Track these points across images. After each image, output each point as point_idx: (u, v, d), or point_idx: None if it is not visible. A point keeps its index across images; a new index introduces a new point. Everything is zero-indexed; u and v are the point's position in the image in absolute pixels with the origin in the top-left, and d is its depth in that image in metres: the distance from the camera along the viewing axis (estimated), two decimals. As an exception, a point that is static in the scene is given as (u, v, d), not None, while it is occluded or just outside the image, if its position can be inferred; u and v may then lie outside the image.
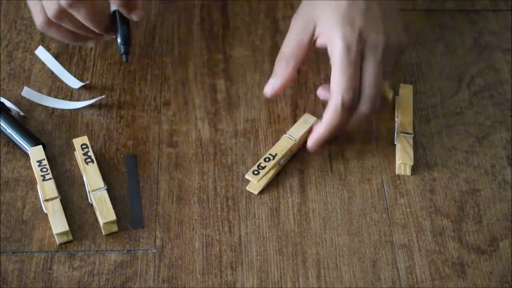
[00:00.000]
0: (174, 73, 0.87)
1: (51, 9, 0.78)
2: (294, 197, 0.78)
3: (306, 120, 0.81)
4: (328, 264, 0.74)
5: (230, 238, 0.75)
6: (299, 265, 0.73)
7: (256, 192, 0.78)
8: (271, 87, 0.79)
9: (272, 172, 0.78)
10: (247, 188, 0.78)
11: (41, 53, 0.87)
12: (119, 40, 0.79)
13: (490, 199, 0.78)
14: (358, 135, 0.82)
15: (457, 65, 0.89)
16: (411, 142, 0.80)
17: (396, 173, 0.79)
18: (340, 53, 0.75)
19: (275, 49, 0.87)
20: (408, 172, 0.79)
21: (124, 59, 0.80)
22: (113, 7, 0.81)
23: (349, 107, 0.75)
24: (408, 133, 0.80)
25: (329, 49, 0.76)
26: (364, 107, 0.76)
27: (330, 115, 0.76)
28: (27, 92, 0.83)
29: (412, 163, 0.78)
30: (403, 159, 0.78)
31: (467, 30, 0.92)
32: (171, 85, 0.86)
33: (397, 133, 0.80)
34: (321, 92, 0.80)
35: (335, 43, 0.75)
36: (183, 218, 0.76)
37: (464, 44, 0.91)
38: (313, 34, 0.78)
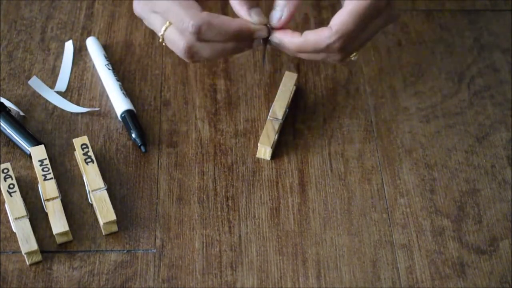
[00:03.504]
0: (174, 73, 0.87)
1: (179, 50, 0.74)
2: (294, 197, 0.78)
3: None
4: (328, 264, 0.74)
5: (230, 238, 0.75)
6: (299, 265, 0.73)
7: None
8: (279, 21, 0.75)
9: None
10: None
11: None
12: (133, 135, 0.80)
13: (490, 199, 0.78)
14: (358, 135, 0.82)
15: (457, 65, 0.89)
16: (277, 127, 0.80)
17: (256, 156, 0.80)
18: (365, 1, 0.71)
19: (275, 49, 0.87)
20: (267, 156, 0.80)
21: (143, 150, 0.80)
22: (122, 110, 0.81)
23: (329, 50, 0.72)
24: (276, 118, 0.80)
25: None
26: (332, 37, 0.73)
27: (314, 40, 0.72)
28: (35, 82, 0.84)
29: (270, 147, 0.79)
30: (262, 142, 0.79)
31: (467, 30, 0.92)
32: (171, 85, 0.86)
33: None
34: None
35: None
36: (183, 218, 0.76)
37: (464, 44, 0.91)
38: None
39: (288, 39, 0.74)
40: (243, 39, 0.73)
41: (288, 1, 0.74)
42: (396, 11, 0.75)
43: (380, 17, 0.73)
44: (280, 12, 0.75)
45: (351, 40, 0.72)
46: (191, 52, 0.74)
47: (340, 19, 0.71)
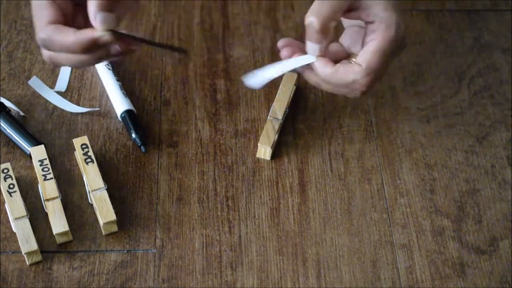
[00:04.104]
0: (174, 73, 0.87)
1: (43, 56, 0.73)
2: (294, 197, 0.78)
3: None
4: (328, 264, 0.74)
5: (230, 238, 0.75)
6: (299, 265, 0.73)
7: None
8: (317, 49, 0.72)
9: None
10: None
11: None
12: (133, 135, 0.80)
13: (490, 199, 0.78)
14: (358, 135, 0.82)
15: (457, 65, 0.89)
16: (277, 127, 0.80)
17: (256, 156, 0.80)
18: (390, 37, 0.71)
19: (275, 49, 0.87)
20: (267, 156, 0.80)
21: (143, 150, 0.80)
22: (122, 110, 0.81)
23: (357, 86, 0.72)
24: (276, 118, 0.80)
25: (373, 26, 0.71)
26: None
27: (342, 77, 0.72)
28: (35, 82, 0.84)
29: (270, 147, 0.79)
30: (262, 142, 0.79)
31: (467, 30, 0.92)
32: (171, 85, 0.86)
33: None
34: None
35: (386, 25, 0.70)
36: (183, 218, 0.76)
37: (464, 44, 0.91)
38: (349, 2, 0.72)
39: (321, 68, 0.72)
40: (92, 49, 0.70)
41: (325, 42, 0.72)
42: (406, 41, 0.75)
43: (399, 51, 0.74)
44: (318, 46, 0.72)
45: (377, 78, 0.72)
46: (51, 60, 0.72)
47: (368, 57, 0.71)
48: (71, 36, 0.69)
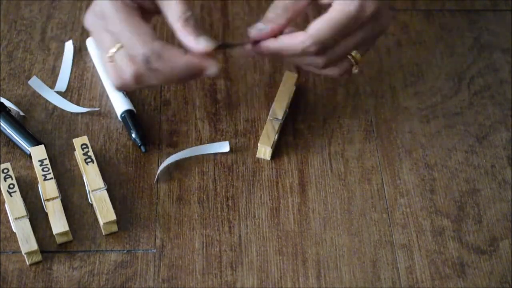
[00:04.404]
0: (174, 73, 0.87)
1: (127, 74, 0.71)
2: (294, 197, 0.78)
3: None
4: (328, 264, 0.74)
5: (230, 238, 0.75)
6: (299, 265, 0.73)
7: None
8: (257, 32, 0.73)
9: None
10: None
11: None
12: (133, 135, 0.80)
13: (490, 199, 0.78)
14: (358, 135, 0.82)
15: (457, 65, 0.89)
16: (277, 127, 0.80)
17: (256, 156, 0.80)
18: (348, 11, 0.70)
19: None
20: (267, 156, 0.80)
21: (143, 150, 0.80)
22: (122, 110, 0.81)
23: (306, 54, 0.72)
24: (276, 118, 0.80)
25: (336, 3, 0.71)
26: (320, 58, 0.73)
27: (286, 46, 0.72)
28: (35, 82, 0.84)
29: (270, 147, 0.79)
30: (262, 142, 0.79)
31: (467, 30, 0.92)
32: (171, 85, 0.86)
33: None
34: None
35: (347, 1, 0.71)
36: (183, 218, 0.76)
37: (464, 44, 0.91)
38: None
39: (264, 45, 0.73)
40: (192, 74, 0.71)
41: (277, 18, 0.73)
42: (387, 21, 0.74)
43: (365, 28, 0.73)
44: (263, 26, 0.73)
45: (328, 46, 0.72)
46: (138, 78, 0.71)
47: (317, 25, 0.71)
48: (182, 58, 0.69)
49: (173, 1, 0.70)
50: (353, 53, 0.74)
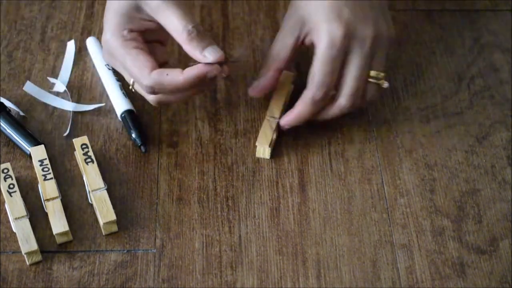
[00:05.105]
0: (174, 73, 0.87)
1: (148, 99, 0.78)
2: (294, 197, 0.78)
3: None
4: (328, 264, 0.74)
5: (230, 238, 0.75)
6: (299, 265, 0.73)
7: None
8: (254, 89, 0.80)
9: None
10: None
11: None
12: (133, 135, 0.80)
13: (490, 199, 0.78)
14: (358, 135, 0.82)
15: (457, 65, 0.89)
16: (274, 126, 0.80)
17: (256, 156, 0.80)
18: (323, 48, 0.75)
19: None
20: (267, 155, 0.80)
21: (143, 150, 0.80)
22: (122, 110, 0.82)
23: (319, 102, 0.77)
24: (273, 117, 0.80)
25: (315, 44, 0.77)
26: (342, 100, 0.77)
27: (301, 105, 0.78)
28: (29, 87, 0.84)
29: (268, 146, 0.79)
30: (260, 141, 0.79)
31: (467, 30, 0.92)
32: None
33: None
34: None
35: (320, 38, 0.76)
36: (183, 218, 0.76)
37: (464, 44, 0.91)
38: (299, 34, 0.78)
39: (287, 121, 0.80)
40: (200, 84, 0.75)
41: (270, 73, 0.79)
42: (392, 33, 0.79)
43: (355, 51, 0.76)
44: (256, 82, 0.80)
45: (328, 86, 0.76)
46: (158, 101, 0.77)
47: (310, 73, 0.77)
48: (180, 77, 0.73)
49: (173, 16, 0.73)
50: (373, 73, 0.78)
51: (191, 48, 0.73)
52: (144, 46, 0.76)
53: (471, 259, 0.74)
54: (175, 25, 0.73)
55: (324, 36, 0.75)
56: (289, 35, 0.78)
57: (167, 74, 0.73)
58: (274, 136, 0.80)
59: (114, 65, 0.78)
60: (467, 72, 0.88)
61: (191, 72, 0.73)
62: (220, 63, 0.74)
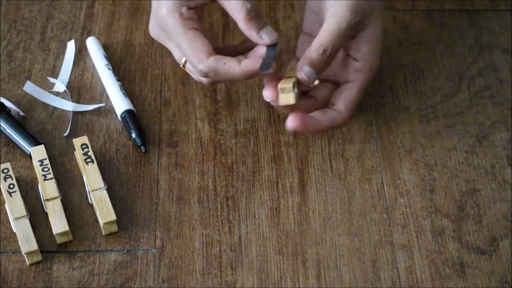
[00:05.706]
0: (174, 73, 0.87)
1: (198, 80, 0.78)
2: (294, 197, 0.78)
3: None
4: (328, 264, 0.74)
5: (230, 238, 0.75)
6: (299, 265, 0.73)
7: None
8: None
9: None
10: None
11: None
12: (133, 135, 0.80)
13: (490, 199, 0.78)
14: (358, 135, 0.82)
15: (457, 65, 0.89)
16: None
17: (280, 103, 0.73)
18: (347, 17, 0.73)
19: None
20: (291, 100, 0.72)
21: (143, 150, 0.80)
22: (122, 110, 0.81)
23: (329, 58, 0.74)
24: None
25: (331, 10, 0.73)
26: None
27: (309, 55, 0.74)
28: (29, 87, 0.84)
29: (293, 88, 0.72)
30: (283, 83, 0.73)
31: (467, 30, 0.92)
32: (171, 85, 0.86)
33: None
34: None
35: (341, 8, 0.73)
36: (183, 218, 0.76)
37: (464, 44, 0.91)
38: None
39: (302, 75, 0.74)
40: (250, 76, 0.74)
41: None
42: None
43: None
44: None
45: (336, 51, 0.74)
46: (209, 82, 0.76)
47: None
48: (236, 69, 0.72)
49: None
50: None
51: (247, 27, 0.72)
52: (199, 26, 0.74)
53: (471, 259, 0.74)
54: (234, 1, 0.72)
55: (350, 8, 0.73)
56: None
57: (224, 63, 0.72)
58: (296, 90, 0.73)
59: (164, 42, 0.76)
60: (467, 72, 0.88)
61: (248, 66, 0.72)
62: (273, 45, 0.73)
